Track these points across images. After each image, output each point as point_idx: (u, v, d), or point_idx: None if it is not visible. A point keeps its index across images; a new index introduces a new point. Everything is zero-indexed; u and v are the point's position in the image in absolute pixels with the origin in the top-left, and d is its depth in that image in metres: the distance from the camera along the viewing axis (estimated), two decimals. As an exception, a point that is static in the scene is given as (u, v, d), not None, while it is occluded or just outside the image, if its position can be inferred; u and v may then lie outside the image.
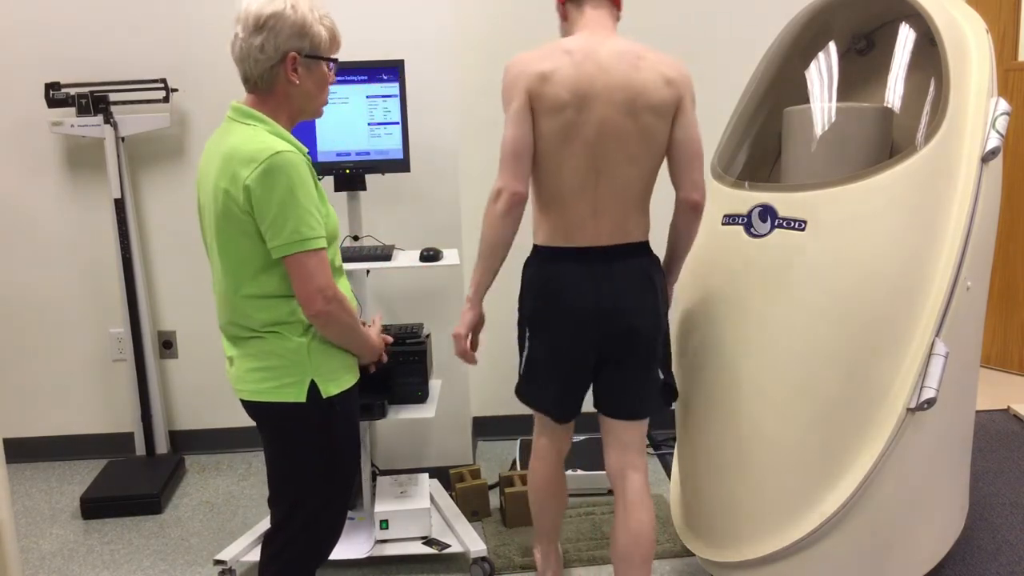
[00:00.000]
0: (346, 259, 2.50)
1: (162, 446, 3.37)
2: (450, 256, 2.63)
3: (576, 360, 2.11)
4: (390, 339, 1.98)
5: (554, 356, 2.12)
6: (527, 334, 2.16)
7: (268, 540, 1.86)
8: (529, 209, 2.06)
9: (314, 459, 1.78)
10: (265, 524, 2.71)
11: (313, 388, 1.73)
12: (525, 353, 2.19)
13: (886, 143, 2.32)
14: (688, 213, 2.10)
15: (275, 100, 1.72)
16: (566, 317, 2.06)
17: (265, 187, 1.61)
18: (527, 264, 2.16)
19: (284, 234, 1.63)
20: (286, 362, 1.72)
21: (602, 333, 2.07)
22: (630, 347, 2.09)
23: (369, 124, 2.59)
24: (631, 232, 2.07)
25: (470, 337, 2.15)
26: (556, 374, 2.14)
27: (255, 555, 2.56)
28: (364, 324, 1.86)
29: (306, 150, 1.74)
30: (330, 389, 1.76)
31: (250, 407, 1.79)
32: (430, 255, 2.56)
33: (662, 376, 2.16)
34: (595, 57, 1.98)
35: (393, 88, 2.58)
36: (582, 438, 3.29)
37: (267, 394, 1.73)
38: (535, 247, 2.14)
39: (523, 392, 2.25)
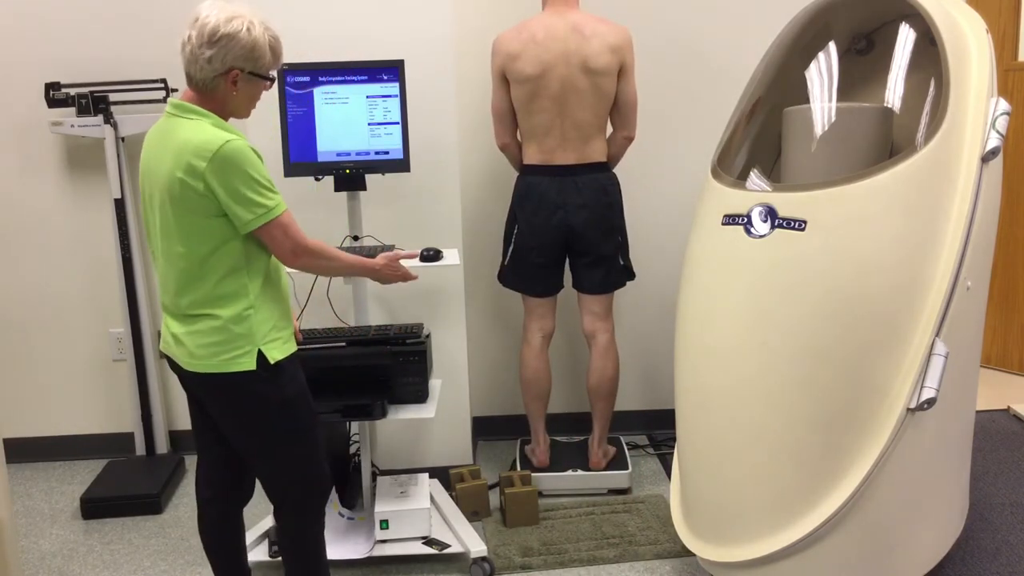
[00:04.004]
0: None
1: (162, 446, 3.37)
2: (450, 256, 2.63)
3: (550, 243, 2.86)
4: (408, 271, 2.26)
5: (535, 239, 2.86)
6: (515, 229, 2.90)
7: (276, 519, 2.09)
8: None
9: (272, 420, 1.95)
10: (266, 524, 2.71)
11: (261, 356, 1.90)
12: (512, 244, 2.92)
13: (886, 143, 2.32)
14: (621, 143, 2.90)
15: (214, 102, 1.91)
16: (543, 211, 2.82)
17: (223, 174, 1.80)
18: (518, 178, 2.90)
19: (250, 211, 1.83)
20: (233, 335, 1.89)
21: (569, 225, 2.82)
22: (592, 234, 2.83)
23: (369, 124, 2.59)
24: (591, 155, 2.83)
25: None
26: (535, 255, 2.88)
27: (255, 555, 2.56)
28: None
29: (244, 136, 1.96)
30: (275, 355, 1.93)
31: (202, 380, 1.93)
32: (430, 255, 2.56)
33: (621, 261, 2.92)
34: (554, 33, 2.72)
35: (393, 88, 2.58)
36: (581, 438, 3.29)
37: (222, 366, 1.89)
38: (524, 165, 2.89)
39: (507, 278, 2.99)
